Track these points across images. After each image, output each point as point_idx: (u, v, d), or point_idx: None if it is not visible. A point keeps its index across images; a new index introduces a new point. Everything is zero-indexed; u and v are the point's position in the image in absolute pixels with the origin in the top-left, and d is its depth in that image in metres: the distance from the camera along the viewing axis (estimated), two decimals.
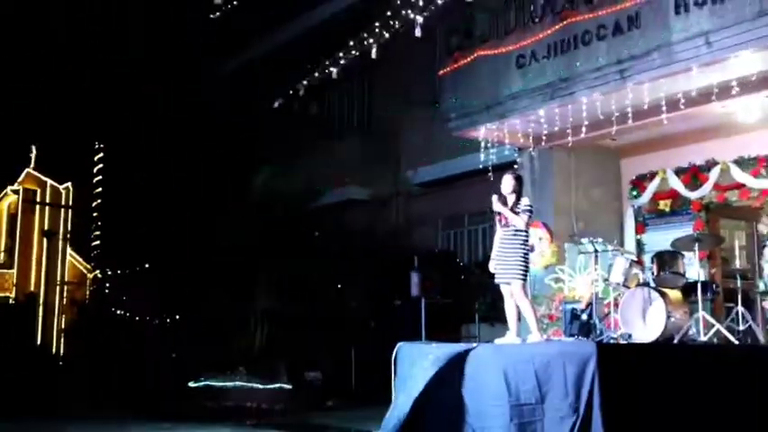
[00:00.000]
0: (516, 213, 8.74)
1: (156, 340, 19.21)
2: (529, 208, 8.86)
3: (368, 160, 19.28)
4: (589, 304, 10.25)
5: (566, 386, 7.35)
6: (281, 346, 16.21)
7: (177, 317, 19.25)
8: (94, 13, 26.96)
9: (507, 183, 8.94)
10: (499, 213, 8.88)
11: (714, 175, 12.16)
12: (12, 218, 26.92)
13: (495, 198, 8.85)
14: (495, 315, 12.11)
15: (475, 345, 8.70)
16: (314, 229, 18.63)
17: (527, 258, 8.83)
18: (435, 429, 8.43)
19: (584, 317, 10.26)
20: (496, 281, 8.91)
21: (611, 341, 9.43)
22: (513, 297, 8.76)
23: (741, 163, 11.90)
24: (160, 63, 24.47)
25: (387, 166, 18.90)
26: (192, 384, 15.34)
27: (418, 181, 17.99)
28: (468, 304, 13.89)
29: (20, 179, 26.88)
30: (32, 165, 26.79)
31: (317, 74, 15.57)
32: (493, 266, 8.97)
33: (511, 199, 8.84)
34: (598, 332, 9.71)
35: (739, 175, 11.88)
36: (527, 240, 8.89)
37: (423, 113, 17.54)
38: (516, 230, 8.77)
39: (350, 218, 18.82)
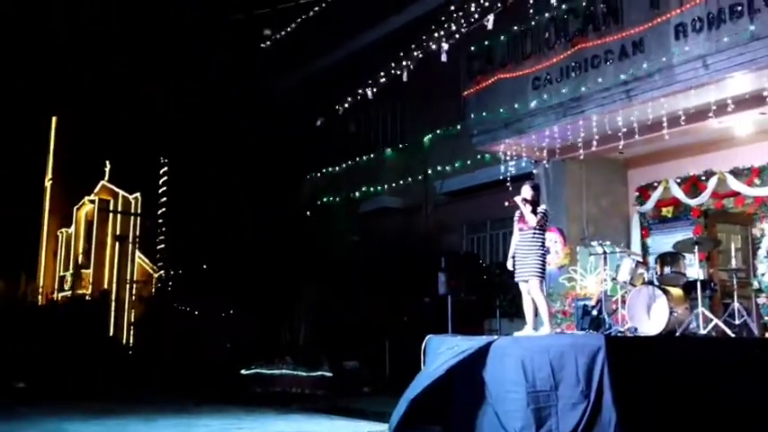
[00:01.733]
0: (534, 215, 8.72)
1: (213, 332, 19.28)
2: (544, 212, 8.89)
3: (400, 172, 19.25)
4: (599, 301, 10.11)
5: (577, 375, 7.25)
6: (324, 338, 16.19)
7: (232, 312, 19.31)
8: (163, 35, 27.05)
9: (526, 191, 8.94)
10: (519, 218, 8.89)
11: (712, 184, 12.02)
12: (89, 224, 27.35)
13: (518, 198, 8.88)
14: (514, 311, 12.00)
15: (496, 337, 8.60)
16: (354, 234, 18.62)
17: (544, 259, 8.85)
18: (461, 410, 8.41)
19: (595, 312, 10.11)
20: (516, 279, 8.91)
21: (619, 334, 9.28)
22: (531, 293, 8.74)
23: (736, 173, 11.79)
24: (217, 86, 24.64)
25: (417, 178, 18.83)
26: (244, 372, 15.36)
27: (445, 190, 17.88)
28: (490, 301, 13.80)
29: (96, 190, 27.27)
30: (106, 178, 27.16)
31: (355, 96, 15.57)
32: (511, 265, 8.98)
33: (528, 206, 8.80)
34: (607, 326, 9.56)
35: (735, 184, 11.75)
36: (544, 243, 8.90)
37: (449, 130, 17.48)
38: (534, 234, 8.75)
39: (384, 224, 18.79)
